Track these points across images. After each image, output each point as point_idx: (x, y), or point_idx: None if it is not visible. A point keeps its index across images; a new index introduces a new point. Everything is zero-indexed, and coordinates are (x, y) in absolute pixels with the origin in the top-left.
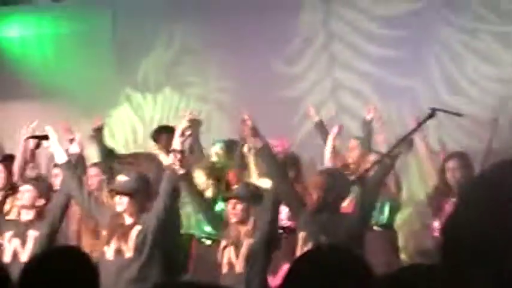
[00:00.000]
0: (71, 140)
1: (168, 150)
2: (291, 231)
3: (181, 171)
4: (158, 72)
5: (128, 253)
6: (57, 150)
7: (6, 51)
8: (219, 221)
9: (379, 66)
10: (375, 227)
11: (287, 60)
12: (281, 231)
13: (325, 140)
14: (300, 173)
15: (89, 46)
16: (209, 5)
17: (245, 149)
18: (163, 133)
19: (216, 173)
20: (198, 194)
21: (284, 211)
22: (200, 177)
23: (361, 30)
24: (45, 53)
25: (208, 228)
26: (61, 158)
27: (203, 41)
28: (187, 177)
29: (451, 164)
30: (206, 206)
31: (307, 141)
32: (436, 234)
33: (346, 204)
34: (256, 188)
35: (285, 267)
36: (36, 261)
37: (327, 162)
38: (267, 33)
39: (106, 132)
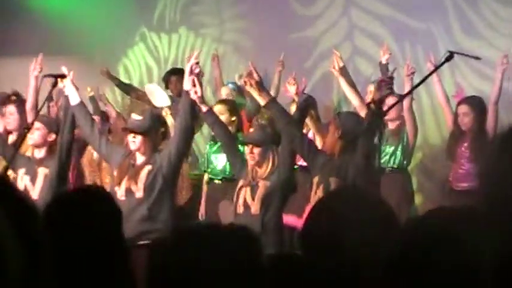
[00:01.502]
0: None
1: (179, 91)
2: (304, 170)
3: (204, 109)
4: (174, 12)
5: (138, 193)
6: (71, 91)
7: None
8: (238, 160)
9: (396, 9)
10: (388, 170)
11: (304, 0)
12: (300, 171)
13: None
14: (317, 114)
15: None
16: None
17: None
18: (173, 75)
19: (237, 111)
20: (226, 127)
21: None
22: (223, 114)
23: None
24: None
25: (220, 167)
26: (74, 100)
27: None
28: (212, 112)
29: (461, 109)
30: (232, 138)
31: (322, 83)
32: (450, 179)
33: None
34: (273, 130)
35: (308, 208)
36: (61, 200)
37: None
38: None
39: (121, 71)
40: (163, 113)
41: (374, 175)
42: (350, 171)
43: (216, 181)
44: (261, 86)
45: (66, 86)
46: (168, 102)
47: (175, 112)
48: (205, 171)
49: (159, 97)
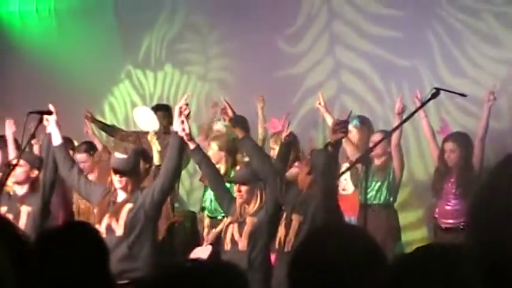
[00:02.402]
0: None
1: (165, 128)
2: None
3: (192, 146)
4: (159, 49)
5: (118, 231)
6: (54, 131)
7: (6, 26)
8: (227, 197)
9: (381, 46)
10: (374, 206)
11: (289, 39)
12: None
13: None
14: (299, 152)
15: (91, 22)
16: None
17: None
18: (159, 111)
19: (229, 146)
20: (213, 165)
21: None
22: (213, 149)
23: (363, 10)
24: (45, 28)
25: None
26: (56, 140)
27: (205, 18)
28: (200, 150)
29: (448, 145)
30: (219, 177)
31: (308, 119)
32: (436, 215)
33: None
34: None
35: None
36: (48, 236)
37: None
38: (269, 12)
39: (107, 109)
40: (149, 137)
41: (335, 213)
42: (311, 208)
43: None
44: (235, 122)
45: (50, 125)
46: (156, 126)
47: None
48: (203, 208)
49: (148, 120)
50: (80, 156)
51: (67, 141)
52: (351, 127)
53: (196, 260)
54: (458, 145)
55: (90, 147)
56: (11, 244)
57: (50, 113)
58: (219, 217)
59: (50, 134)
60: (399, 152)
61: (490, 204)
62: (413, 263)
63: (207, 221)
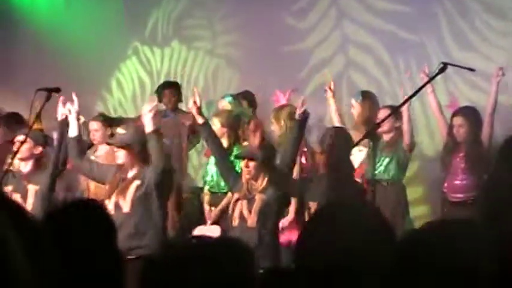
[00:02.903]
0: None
1: (173, 105)
2: None
3: (200, 121)
4: (166, 26)
5: (125, 208)
6: (72, 122)
7: (15, 3)
8: (232, 173)
9: (388, 21)
10: (383, 182)
11: (296, 14)
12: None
13: None
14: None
15: None
16: None
17: None
18: (167, 89)
19: (231, 122)
20: (219, 141)
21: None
22: (215, 125)
23: None
24: (53, 5)
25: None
26: (72, 132)
27: None
28: (208, 125)
29: (457, 120)
30: (225, 153)
31: (316, 95)
32: (445, 190)
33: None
34: (269, 145)
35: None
36: (55, 214)
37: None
38: None
39: (114, 85)
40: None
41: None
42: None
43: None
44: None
45: (71, 115)
46: None
47: (167, 126)
48: (205, 183)
49: None
50: (93, 124)
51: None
52: (353, 101)
53: (204, 237)
54: (467, 120)
55: (106, 119)
56: (24, 233)
57: (57, 90)
58: (220, 193)
59: (65, 118)
60: (410, 127)
61: (500, 178)
62: (422, 238)
63: (207, 197)
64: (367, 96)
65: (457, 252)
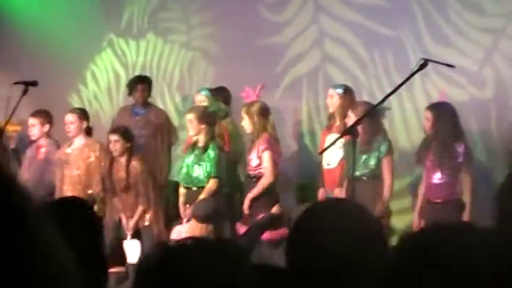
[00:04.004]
0: None
1: (144, 100)
2: (261, 179)
3: None
4: (142, 18)
5: None
6: None
7: None
8: None
9: (364, 15)
10: (363, 177)
11: (272, 7)
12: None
13: None
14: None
15: None
16: None
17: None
18: (140, 83)
19: (208, 118)
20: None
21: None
22: (192, 122)
23: None
24: None
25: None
26: None
27: None
28: None
29: (425, 113)
30: None
31: (292, 89)
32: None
33: (339, 161)
34: None
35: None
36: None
37: None
38: None
39: (89, 77)
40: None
41: None
42: None
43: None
44: None
45: None
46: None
47: (139, 125)
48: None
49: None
50: (68, 116)
51: (44, 114)
52: (332, 92)
53: (200, 239)
54: (433, 113)
55: (83, 112)
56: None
57: (34, 83)
58: (194, 188)
59: None
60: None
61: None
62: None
63: (182, 193)
64: (348, 90)
65: (454, 260)
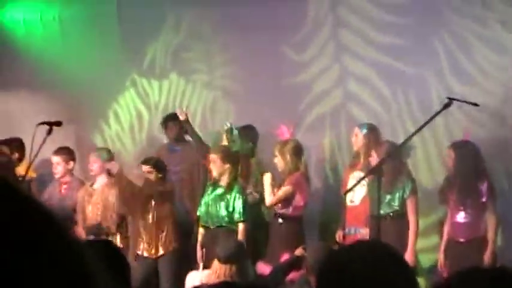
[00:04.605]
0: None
1: (174, 135)
2: (287, 219)
3: None
4: (164, 58)
5: None
6: None
7: (10, 34)
8: None
9: (387, 54)
10: (388, 217)
11: (295, 46)
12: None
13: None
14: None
15: (95, 30)
16: None
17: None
18: (168, 121)
19: (232, 158)
20: None
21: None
22: (215, 162)
23: (369, 18)
24: (50, 37)
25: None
26: None
27: (211, 26)
28: None
29: (449, 153)
30: None
31: (314, 127)
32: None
33: (362, 198)
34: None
35: (285, 256)
36: None
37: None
38: (275, 20)
39: (112, 117)
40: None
41: None
42: None
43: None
44: None
45: None
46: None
47: (175, 161)
48: (198, 218)
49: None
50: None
51: (68, 152)
52: (357, 131)
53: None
54: (455, 151)
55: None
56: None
57: (58, 123)
58: (212, 227)
59: None
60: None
61: None
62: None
63: (200, 234)
64: (372, 129)
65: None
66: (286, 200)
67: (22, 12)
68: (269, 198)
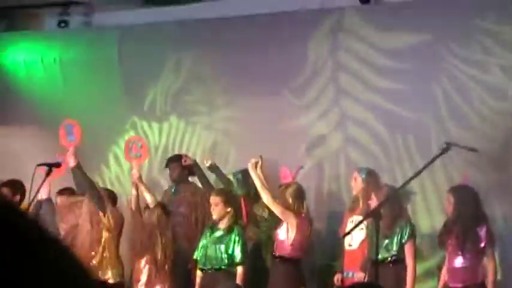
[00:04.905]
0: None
1: (176, 176)
2: (286, 261)
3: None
4: (165, 100)
5: None
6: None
7: (12, 76)
8: None
9: (387, 98)
10: (386, 261)
11: (295, 90)
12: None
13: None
14: (304, 203)
15: (95, 73)
16: (218, 33)
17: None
18: (169, 163)
19: (233, 202)
20: None
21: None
22: (217, 205)
23: (369, 62)
24: (51, 79)
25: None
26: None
27: (211, 69)
28: None
29: (448, 197)
30: None
31: (314, 170)
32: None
33: (360, 242)
34: None
35: None
36: None
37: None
38: (275, 63)
39: (111, 160)
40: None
41: None
42: None
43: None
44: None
45: None
46: None
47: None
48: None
49: None
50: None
51: (71, 192)
52: (356, 175)
53: None
54: (454, 196)
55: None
56: None
57: (58, 165)
58: (210, 270)
59: None
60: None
61: None
62: None
63: (198, 278)
64: (371, 174)
65: None
66: (287, 236)
67: (23, 54)
68: (265, 194)
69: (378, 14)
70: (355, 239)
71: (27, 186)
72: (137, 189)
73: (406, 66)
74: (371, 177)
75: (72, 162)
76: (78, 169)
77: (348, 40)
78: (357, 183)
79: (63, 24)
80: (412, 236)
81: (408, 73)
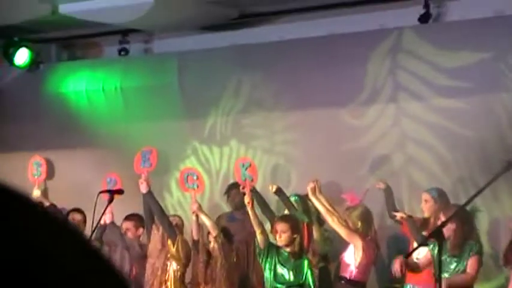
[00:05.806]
0: None
1: (236, 203)
2: (351, 282)
3: None
4: (225, 125)
5: None
6: None
7: (74, 105)
8: None
9: (447, 117)
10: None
11: (354, 111)
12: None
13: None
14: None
15: (156, 99)
16: (277, 56)
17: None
18: (230, 190)
19: (299, 228)
20: None
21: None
22: (285, 232)
23: (429, 82)
24: (112, 106)
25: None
26: None
27: (271, 92)
28: None
29: None
30: None
31: (375, 192)
32: None
33: (423, 258)
34: None
35: None
36: None
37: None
38: (334, 84)
39: (173, 185)
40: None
41: None
42: None
43: None
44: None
45: None
46: None
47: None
48: None
49: None
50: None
51: (138, 218)
52: (427, 195)
53: None
54: None
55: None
56: None
57: (120, 192)
58: None
59: None
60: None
61: None
62: None
63: None
64: (442, 195)
65: None
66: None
67: (85, 82)
68: (330, 217)
69: (436, 33)
70: (422, 253)
71: (90, 212)
72: (197, 218)
73: (466, 85)
74: (442, 197)
75: (144, 189)
76: (150, 195)
77: (407, 60)
78: (429, 205)
79: (123, 52)
80: (478, 252)
81: (468, 91)
